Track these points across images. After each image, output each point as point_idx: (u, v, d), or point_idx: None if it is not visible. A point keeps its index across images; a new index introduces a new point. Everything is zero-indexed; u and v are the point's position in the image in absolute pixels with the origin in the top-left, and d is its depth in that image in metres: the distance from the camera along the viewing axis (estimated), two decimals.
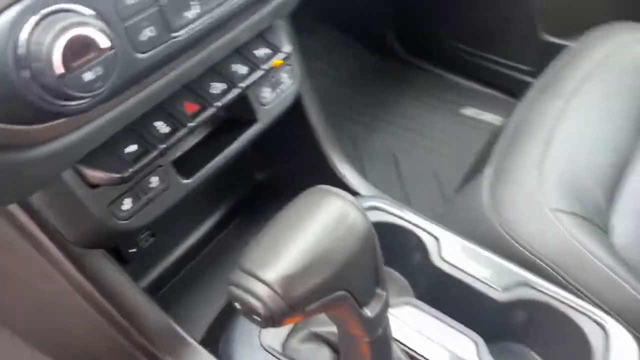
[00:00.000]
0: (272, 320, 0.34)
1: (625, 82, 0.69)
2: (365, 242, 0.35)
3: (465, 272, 0.56)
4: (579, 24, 0.89)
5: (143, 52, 0.46)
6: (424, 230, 0.59)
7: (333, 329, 0.47)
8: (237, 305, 0.35)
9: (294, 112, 0.67)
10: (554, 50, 0.85)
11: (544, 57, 0.85)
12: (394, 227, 0.60)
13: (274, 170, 0.80)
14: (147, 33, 0.46)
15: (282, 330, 0.52)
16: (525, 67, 0.97)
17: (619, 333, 0.52)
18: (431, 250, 0.58)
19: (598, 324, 0.52)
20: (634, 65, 0.70)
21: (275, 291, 0.33)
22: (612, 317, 0.54)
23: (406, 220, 0.60)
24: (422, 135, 1.06)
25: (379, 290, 0.38)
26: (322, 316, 0.39)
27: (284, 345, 0.52)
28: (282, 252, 0.33)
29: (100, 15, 0.42)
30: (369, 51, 1.32)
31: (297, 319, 0.35)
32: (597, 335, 0.52)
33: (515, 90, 0.85)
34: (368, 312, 0.38)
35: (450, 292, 0.56)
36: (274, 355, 0.51)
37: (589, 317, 0.53)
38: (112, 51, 0.41)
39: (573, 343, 0.53)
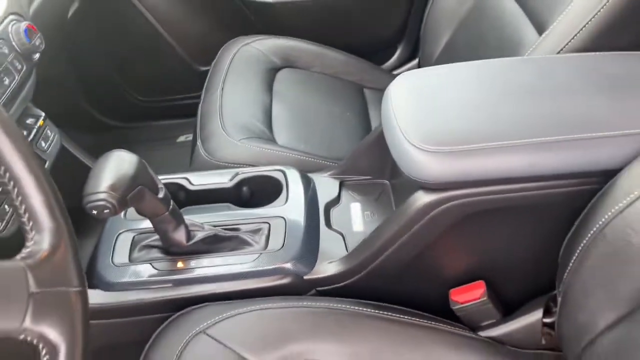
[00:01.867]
0: (114, 208, 0.60)
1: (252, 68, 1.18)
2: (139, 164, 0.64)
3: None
4: (214, 48, 1.26)
5: None
6: None
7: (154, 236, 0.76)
8: (94, 212, 0.60)
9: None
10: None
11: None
12: None
13: None
14: None
15: (125, 252, 0.76)
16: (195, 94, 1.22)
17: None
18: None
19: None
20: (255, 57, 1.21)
21: (109, 193, 0.59)
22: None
23: None
24: None
25: (160, 185, 0.68)
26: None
27: (129, 259, 0.76)
28: (102, 177, 0.61)
29: None
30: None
31: (125, 205, 0.62)
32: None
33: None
34: (160, 194, 0.67)
35: None
36: (124, 266, 0.75)
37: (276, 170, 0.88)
38: None
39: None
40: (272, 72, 1.21)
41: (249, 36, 1.28)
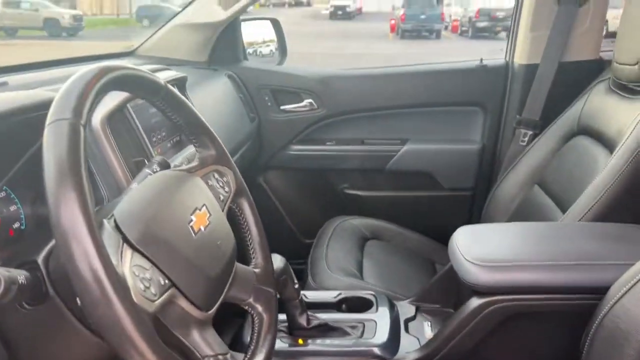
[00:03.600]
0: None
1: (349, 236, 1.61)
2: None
3: None
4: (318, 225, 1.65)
5: None
6: None
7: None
8: None
9: None
10: None
11: None
12: None
13: None
14: None
15: None
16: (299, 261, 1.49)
17: None
18: None
19: None
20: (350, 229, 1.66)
21: None
22: None
23: None
24: None
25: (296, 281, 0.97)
26: None
27: None
28: None
29: None
30: None
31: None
32: None
33: None
34: (296, 286, 0.98)
35: None
36: None
37: None
38: None
39: None
40: (363, 241, 1.62)
41: (345, 216, 1.72)
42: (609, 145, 1.26)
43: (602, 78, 1.46)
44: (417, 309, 1.20)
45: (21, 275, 0.57)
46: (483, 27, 16.77)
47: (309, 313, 1.08)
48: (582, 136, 1.43)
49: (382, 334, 1.07)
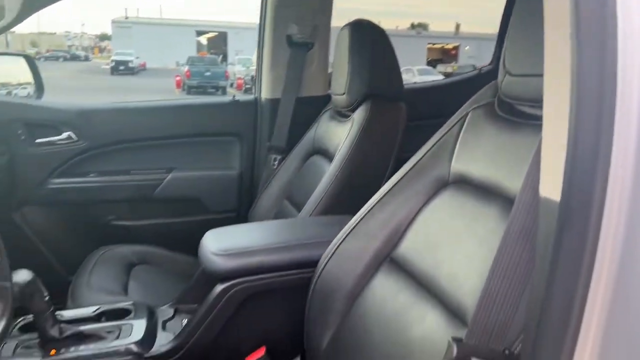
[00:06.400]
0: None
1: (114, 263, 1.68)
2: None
3: None
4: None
5: None
6: None
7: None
8: None
9: None
10: None
11: None
12: None
13: None
14: None
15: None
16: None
17: None
18: None
19: None
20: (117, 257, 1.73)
21: None
22: None
23: None
24: None
25: (46, 294, 1.01)
26: None
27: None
28: None
29: None
30: None
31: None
32: None
33: None
34: (46, 298, 1.01)
35: None
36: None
37: None
38: None
39: None
40: (130, 266, 1.65)
41: (111, 245, 1.74)
42: (332, 158, 1.55)
43: (327, 108, 1.79)
44: (176, 311, 1.29)
45: None
46: None
47: (62, 325, 1.09)
48: (316, 155, 1.73)
49: (137, 334, 1.13)
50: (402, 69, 1.61)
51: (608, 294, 0.46)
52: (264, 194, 1.85)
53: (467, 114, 1.02)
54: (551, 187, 0.48)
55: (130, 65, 24.10)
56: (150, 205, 1.93)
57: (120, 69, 23.66)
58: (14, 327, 1.14)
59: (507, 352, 0.58)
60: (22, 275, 0.98)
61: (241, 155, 2.00)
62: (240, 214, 1.99)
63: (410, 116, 1.58)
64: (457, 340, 0.59)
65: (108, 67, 24.52)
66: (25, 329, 1.14)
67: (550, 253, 0.47)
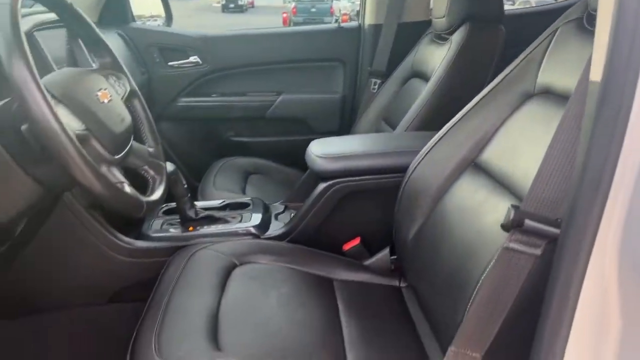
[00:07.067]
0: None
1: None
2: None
3: None
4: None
5: None
6: None
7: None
8: None
9: None
10: None
11: None
12: None
13: None
14: None
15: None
16: None
17: None
18: None
19: None
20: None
21: None
22: None
23: None
24: None
25: (184, 182, 1.30)
26: None
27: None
28: None
29: None
30: None
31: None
32: None
33: None
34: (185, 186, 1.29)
35: None
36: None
37: None
38: None
39: None
40: (246, 174, 1.90)
41: (231, 157, 1.99)
42: (428, 80, 1.65)
43: (427, 32, 1.87)
44: (286, 207, 1.51)
45: None
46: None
47: (197, 208, 1.35)
48: (414, 78, 1.83)
49: (256, 219, 1.36)
50: None
51: (637, 165, 0.56)
52: (364, 116, 1.99)
53: (556, 30, 1.07)
54: (596, 71, 0.58)
55: (240, 2, 24.67)
56: (263, 124, 2.17)
57: (231, 6, 24.32)
58: (159, 210, 1.43)
59: (559, 219, 0.70)
60: (169, 166, 1.22)
61: (344, 80, 2.15)
62: (341, 135, 2.16)
63: (511, 42, 1.61)
64: (515, 207, 0.72)
65: (219, 5, 25.29)
66: (168, 212, 1.42)
67: (590, 128, 0.58)
